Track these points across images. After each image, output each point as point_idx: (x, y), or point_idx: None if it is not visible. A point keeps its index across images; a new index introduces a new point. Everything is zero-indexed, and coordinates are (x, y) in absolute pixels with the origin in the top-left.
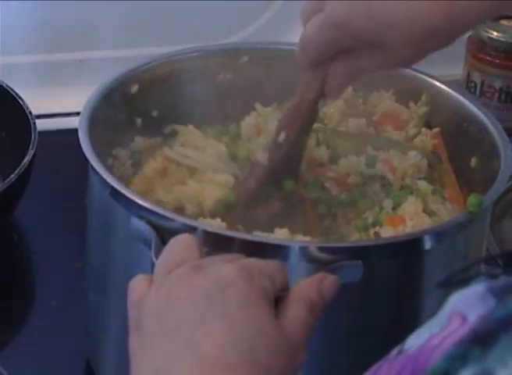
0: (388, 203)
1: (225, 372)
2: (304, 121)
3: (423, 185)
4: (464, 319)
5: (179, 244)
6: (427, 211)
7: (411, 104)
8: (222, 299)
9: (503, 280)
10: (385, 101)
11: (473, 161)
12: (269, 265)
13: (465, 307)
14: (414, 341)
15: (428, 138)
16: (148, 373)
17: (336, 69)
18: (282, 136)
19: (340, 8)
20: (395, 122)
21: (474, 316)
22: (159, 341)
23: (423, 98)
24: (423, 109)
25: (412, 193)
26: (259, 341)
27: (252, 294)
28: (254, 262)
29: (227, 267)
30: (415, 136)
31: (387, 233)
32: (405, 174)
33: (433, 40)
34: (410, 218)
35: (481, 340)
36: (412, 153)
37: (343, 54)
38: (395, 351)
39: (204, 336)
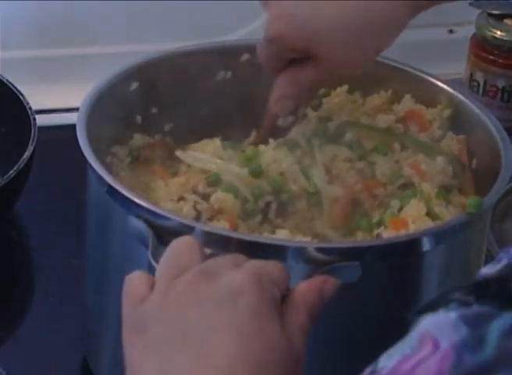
0: (395, 203)
1: None
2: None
3: (427, 187)
4: (437, 344)
5: (181, 247)
6: (430, 214)
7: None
8: (233, 309)
9: (475, 308)
10: (404, 102)
11: (473, 162)
12: (275, 269)
13: (437, 332)
14: (386, 363)
15: (453, 143)
16: None
17: (280, 79)
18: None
19: (272, 24)
20: (419, 122)
21: (446, 344)
22: (166, 347)
23: (443, 100)
24: (447, 112)
25: (415, 195)
26: (269, 356)
27: (263, 305)
28: (261, 267)
29: (237, 274)
30: (441, 138)
31: (390, 236)
32: (433, 180)
33: (367, 39)
34: (413, 221)
35: None
36: (440, 158)
37: (291, 66)
38: (368, 370)
39: (212, 347)
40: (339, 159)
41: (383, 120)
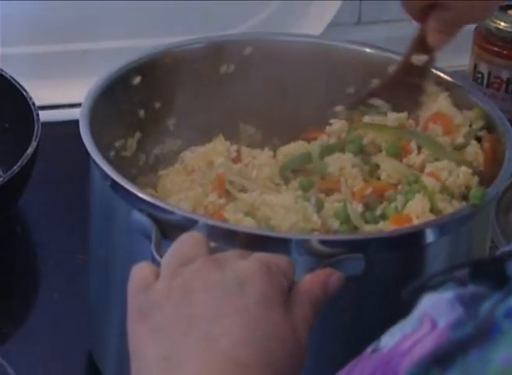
0: (400, 198)
1: (237, 370)
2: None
3: (430, 182)
4: (435, 323)
5: (187, 241)
6: (434, 210)
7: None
8: (240, 296)
9: (471, 288)
10: (440, 101)
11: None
12: (281, 260)
13: (435, 312)
14: (388, 340)
15: (480, 153)
16: (156, 361)
17: (435, 16)
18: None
19: None
20: (446, 124)
21: (443, 322)
22: (171, 332)
23: (476, 111)
24: (479, 124)
25: (419, 191)
26: (274, 344)
27: (270, 293)
28: (270, 258)
29: (246, 263)
30: (462, 146)
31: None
32: (454, 191)
33: None
34: (417, 217)
35: (440, 361)
36: (464, 169)
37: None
38: (370, 348)
39: (218, 333)
40: (347, 166)
41: (394, 117)
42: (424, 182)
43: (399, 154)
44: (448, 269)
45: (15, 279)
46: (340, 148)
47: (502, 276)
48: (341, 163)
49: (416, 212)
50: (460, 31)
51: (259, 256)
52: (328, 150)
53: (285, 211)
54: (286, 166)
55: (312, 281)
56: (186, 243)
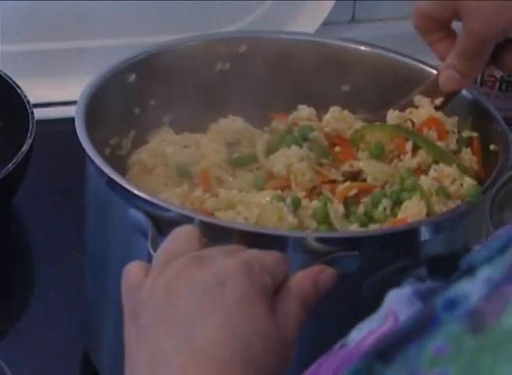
0: (386, 202)
1: (218, 368)
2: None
3: (427, 183)
4: (397, 319)
5: (179, 235)
6: (430, 213)
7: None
8: (221, 295)
9: (428, 283)
10: (428, 106)
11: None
12: (271, 257)
13: (397, 307)
14: (355, 336)
15: (473, 159)
16: (143, 362)
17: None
18: None
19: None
20: (440, 130)
21: (403, 318)
22: (155, 332)
23: (467, 124)
24: (467, 133)
25: (415, 194)
26: (256, 340)
27: (251, 291)
28: (255, 256)
29: (227, 262)
30: (455, 153)
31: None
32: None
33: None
34: (413, 220)
35: (383, 354)
36: (469, 180)
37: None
38: (339, 343)
39: (200, 331)
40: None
41: (395, 116)
42: (421, 185)
43: (384, 155)
44: (406, 265)
45: (10, 277)
46: (287, 143)
47: (456, 270)
48: (287, 160)
49: (412, 216)
50: None
51: (245, 254)
52: (271, 147)
53: (260, 210)
54: (233, 163)
55: (302, 278)
56: (177, 237)
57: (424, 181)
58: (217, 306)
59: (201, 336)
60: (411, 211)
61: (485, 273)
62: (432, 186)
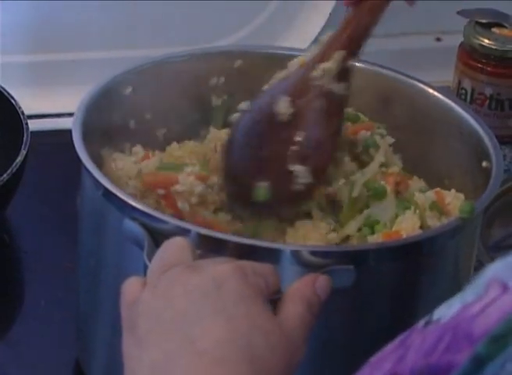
0: (368, 213)
1: (222, 368)
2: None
3: (421, 198)
4: (506, 286)
5: (172, 247)
6: (423, 227)
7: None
8: (219, 296)
9: None
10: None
11: (464, 167)
12: (262, 266)
13: (507, 274)
14: (445, 311)
15: None
16: (146, 370)
17: None
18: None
19: None
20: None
21: None
22: (156, 340)
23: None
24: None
25: (409, 208)
26: (257, 338)
27: (248, 291)
28: (247, 263)
29: (222, 266)
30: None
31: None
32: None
33: None
34: (407, 234)
35: None
36: (461, 196)
37: None
38: (421, 322)
39: (201, 333)
40: None
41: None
42: (415, 199)
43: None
44: None
45: (2, 287)
46: None
47: None
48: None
49: (406, 229)
50: None
51: (238, 261)
52: None
53: None
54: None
55: (301, 285)
56: (170, 250)
57: (419, 196)
58: (216, 308)
59: (202, 337)
60: (405, 224)
61: None
62: (426, 201)
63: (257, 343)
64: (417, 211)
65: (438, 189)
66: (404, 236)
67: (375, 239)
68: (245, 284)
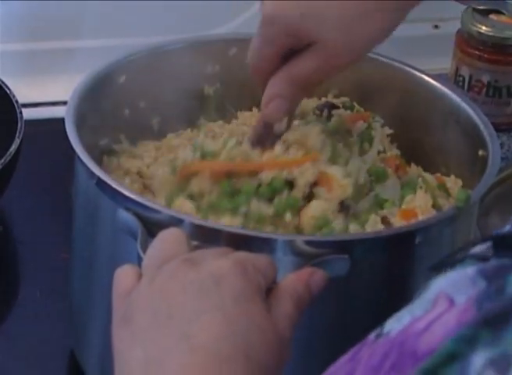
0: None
1: (218, 365)
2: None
3: (430, 178)
4: (452, 301)
5: (168, 238)
6: (435, 206)
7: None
8: (217, 293)
9: (493, 262)
10: None
11: (461, 155)
12: (261, 260)
13: (453, 290)
14: (395, 325)
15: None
16: (139, 366)
17: (273, 79)
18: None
19: (268, 4)
20: None
21: (463, 299)
22: (152, 334)
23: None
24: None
25: (414, 188)
26: (254, 336)
27: (247, 289)
28: (247, 257)
29: (221, 261)
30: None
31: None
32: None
33: (370, 19)
34: (422, 212)
35: (492, 323)
36: (460, 181)
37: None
38: (373, 334)
39: (198, 329)
40: None
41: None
42: (426, 178)
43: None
44: (468, 245)
45: None
46: None
47: None
48: None
49: (420, 207)
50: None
51: (237, 255)
52: None
53: None
54: None
55: (294, 279)
56: (165, 241)
57: (427, 177)
58: (214, 304)
59: (200, 333)
60: (419, 203)
61: None
62: (433, 182)
63: (254, 341)
64: (429, 189)
65: (438, 174)
66: (419, 214)
67: (388, 216)
68: (244, 281)
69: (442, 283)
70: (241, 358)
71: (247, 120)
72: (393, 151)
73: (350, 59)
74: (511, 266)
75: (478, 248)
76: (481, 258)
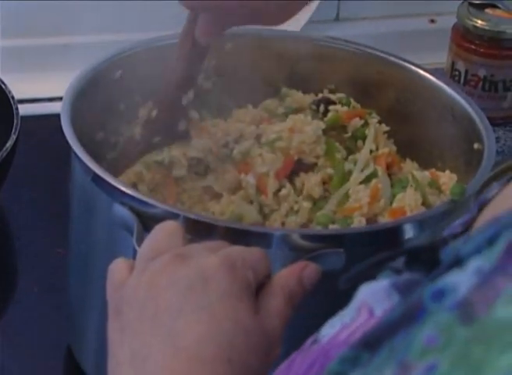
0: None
1: (200, 366)
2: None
3: (420, 175)
4: (372, 312)
5: (162, 231)
6: (425, 203)
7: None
8: (204, 291)
9: (406, 276)
10: None
11: (457, 149)
12: (252, 254)
13: (372, 300)
14: (328, 331)
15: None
16: (126, 358)
17: (207, 16)
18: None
19: None
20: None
21: (380, 311)
22: (138, 328)
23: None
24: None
25: (407, 186)
26: (239, 337)
27: (234, 288)
28: (237, 252)
29: (211, 258)
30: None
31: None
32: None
33: None
34: (411, 210)
35: (370, 345)
36: (454, 176)
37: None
38: (310, 339)
39: (183, 327)
40: None
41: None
42: (416, 175)
43: None
44: (384, 257)
45: None
46: None
47: (435, 261)
48: None
49: (409, 205)
50: None
51: (228, 251)
52: None
53: None
54: None
55: (287, 274)
56: (160, 234)
57: (417, 174)
58: (200, 302)
59: (184, 332)
60: (408, 201)
61: (474, 264)
62: (424, 179)
63: (238, 342)
64: (418, 187)
65: (433, 170)
66: (408, 212)
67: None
68: (232, 278)
69: (365, 292)
70: (223, 360)
71: (241, 117)
72: (389, 148)
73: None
74: (419, 281)
75: (396, 261)
76: (396, 270)
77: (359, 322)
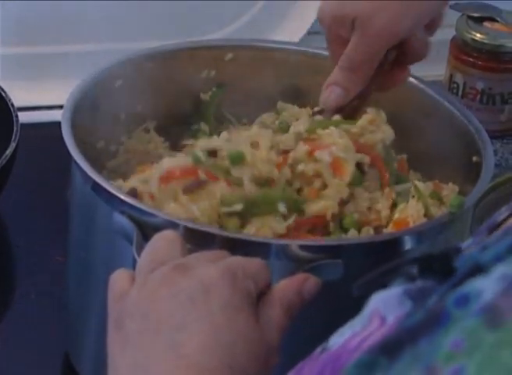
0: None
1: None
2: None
3: (423, 186)
4: (383, 320)
5: (162, 241)
6: (427, 214)
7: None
8: (205, 302)
9: (419, 283)
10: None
11: (455, 162)
12: (253, 264)
13: (384, 308)
14: (337, 339)
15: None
16: (126, 370)
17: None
18: None
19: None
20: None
21: (392, 318)
22: (140, 340)
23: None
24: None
25: (413, 196)
26: (240, 347)
27: (235, 298)
28: (238, 263)
29: (211, 269)
30: None
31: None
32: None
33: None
34: (413, 221)
35: (388, 350)
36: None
37: None
38: (319, 349)
39: (185, 338)
40: None
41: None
42: (418, 186)
43: None
44: (397, 265)
45: None
46: None
47: (448, 269)
48: None
49: (412, 216)
50: None
51: (228, 261)
52: None
53: None
54: None
55: (286, 286)
56: (159, 244)
57: (420, 185)
58: (201, 313)
59: (186, 343)
60: (411, 212)
61: (499, 271)
62: (426, 189)
63: (240, 351)
64: (421, 198)
65: (436, 181)
66: (411, 223)
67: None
68: (233, 289)
69: (377, 300)
70: (225, 369)
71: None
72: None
73: (389, 37)
74: (432, 288)
75: (408, 269)
76: (409, 278)
77: (370, 329)
